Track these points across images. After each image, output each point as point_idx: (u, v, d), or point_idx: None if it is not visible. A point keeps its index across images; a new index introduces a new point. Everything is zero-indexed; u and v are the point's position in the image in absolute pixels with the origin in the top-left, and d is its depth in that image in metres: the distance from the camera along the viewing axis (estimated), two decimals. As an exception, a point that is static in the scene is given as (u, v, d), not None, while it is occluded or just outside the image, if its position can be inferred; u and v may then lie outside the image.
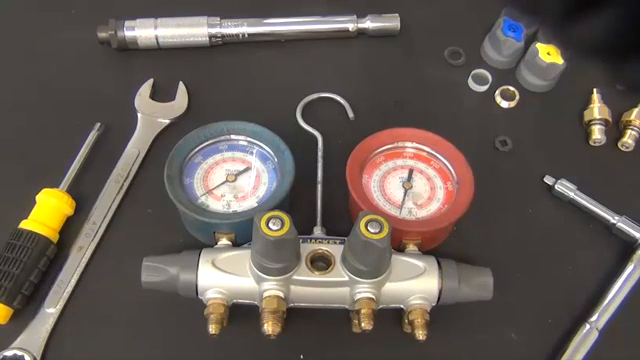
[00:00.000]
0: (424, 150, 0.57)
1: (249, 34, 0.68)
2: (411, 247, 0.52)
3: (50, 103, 0.64)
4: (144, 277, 0.49)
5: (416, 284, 0.49)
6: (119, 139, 0.61)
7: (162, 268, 0.49)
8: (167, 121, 0.63)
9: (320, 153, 0.60)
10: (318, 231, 0.54)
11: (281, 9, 0.71)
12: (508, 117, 0.66)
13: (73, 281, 0.54)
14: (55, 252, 0.54)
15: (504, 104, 0.67)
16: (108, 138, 0.62)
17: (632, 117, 0.64)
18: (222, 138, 0.56)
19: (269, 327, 0.46)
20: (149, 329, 0.53)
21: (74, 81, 0.66)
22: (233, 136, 0.57)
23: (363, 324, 0.47)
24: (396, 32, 0.70)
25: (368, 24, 0.70)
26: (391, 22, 0.70)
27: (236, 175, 0.55)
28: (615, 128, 0.65)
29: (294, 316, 0.49)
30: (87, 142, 0.60)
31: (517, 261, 0.57)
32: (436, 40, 0.71)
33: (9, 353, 0.50)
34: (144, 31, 0.66)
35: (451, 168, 0.56)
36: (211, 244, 0.53)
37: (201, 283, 0.48)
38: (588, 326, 0.52)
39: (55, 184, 0.57)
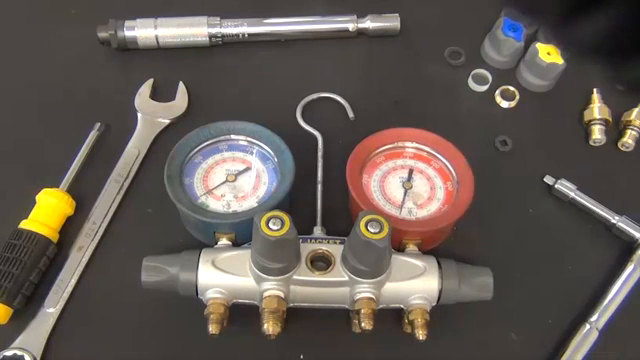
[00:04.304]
0: (424, 150, 0.57)
1: (249, 34, 0.68)
2: (411, 247, 0.52)
3: (50, 103, 0.64)
4: (144, 277, 0.49)
5: (416, 284, 0.49)
6: (119, 139, 0.61)
7: (162, 268, 0.49)
8: (167, 121, 0.63)
9: (320, 153, 0.60)
10: (318, 231, 0.54)
11: (281, 9, 0.71)
12: (508, 117, 0.66)
13: (73, 281, 0.54)
14: (55, 252, 0.55)
15: (504, 104, 0.67)
16: (108, 138, 0.62)
17: (632, 117, 0.64)
18: (222, 138, 0.56)
19: (269, 327, 0.46)
20: (149, 329, 0.53)
21: (74, 81, 0.66)
22: (233, 136, 0.57)
23: (363, 324, 0.47)
24: (396, 32, 0.70)
25: (368, 24, 0.70)
26: (391, 22, 0.70)
27: (236, 175, 0.55)
28: (615, 128, 0.65)
29: (294, 316, 0.49)
30: (87, 142, 0.60)
31: (517, 261, 0.57)
32: (436, 40, 0.70)
33: (9, 353, 0.50)
34: (144, 31, 0.66)
35: (451, 168, 0.56)
36: (211, 244, 0.53)
37: (201, 283, 0.48)
38: (588, 326, 0.52)
39: (55, 184, 0.57)
